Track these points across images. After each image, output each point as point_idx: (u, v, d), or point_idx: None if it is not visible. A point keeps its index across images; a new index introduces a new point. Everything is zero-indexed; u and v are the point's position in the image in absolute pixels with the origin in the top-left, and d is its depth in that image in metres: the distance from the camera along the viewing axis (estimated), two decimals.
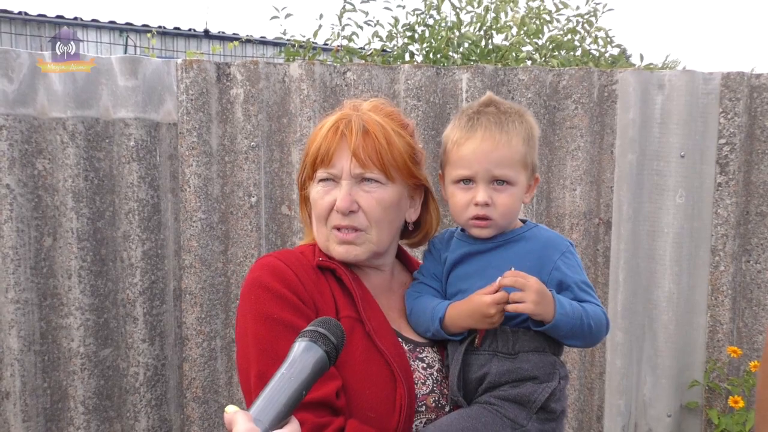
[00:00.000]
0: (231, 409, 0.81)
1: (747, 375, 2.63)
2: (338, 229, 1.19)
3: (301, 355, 0.87)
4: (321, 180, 1.21)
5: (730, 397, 2.53)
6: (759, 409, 1.15)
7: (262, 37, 8.09)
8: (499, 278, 1.12)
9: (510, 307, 1.10)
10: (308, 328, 0.91)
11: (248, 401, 1.12)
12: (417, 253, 1.46)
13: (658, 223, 2.67)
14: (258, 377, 1.08)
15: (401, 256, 1.38)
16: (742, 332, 2.73)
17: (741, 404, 2.47)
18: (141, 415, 2.45)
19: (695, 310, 2.70)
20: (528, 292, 1.09)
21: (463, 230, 1.29)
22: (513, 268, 1.13)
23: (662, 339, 2.69)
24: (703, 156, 2.65)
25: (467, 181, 1.20)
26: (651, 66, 3.94)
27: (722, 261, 2.67)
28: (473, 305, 1.14)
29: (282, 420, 0.83)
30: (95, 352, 2.41)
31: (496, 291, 1.11)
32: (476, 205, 1.18)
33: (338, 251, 1.20)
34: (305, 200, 1.31)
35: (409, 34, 3.47)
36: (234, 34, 8.96)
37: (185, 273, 2.49)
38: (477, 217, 1.19)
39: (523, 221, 1.28)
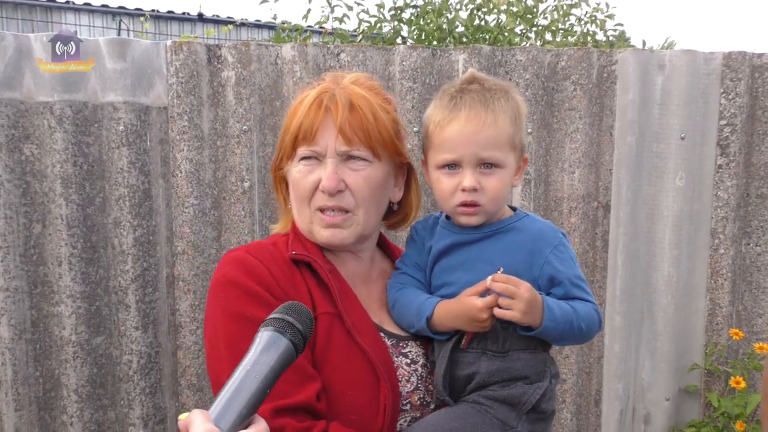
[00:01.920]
0: (184, 416, 0.75)
1: (747, 358, 2.61)
2: (323, 210, 1.12)
3: (265, 347, 0.79)
4: (303, 158, 1.13)
5: (732, 377, 2.50)
6: (766, 394, 1.12)
7: (256, 20, 7.99)
8: (489, 278, 1.06)
9: (498, 313, 1.05)
10: (273, 315, 0.83)
11: None
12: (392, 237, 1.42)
13: (657, 206, 2.63)
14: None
15: (381, 243, 1.30)
16: (742, 315, 2.71)
17: (743, 385, 2.45)
18: (135, 403, 2.43)
19: (694, 294, 2.68)
20: (517, 301, 1.04)
21: (447, 217, 1.21)
22: (501, 269, 1.07)
23: (661, 323, 2.67)
24: (704, 137, 2.61)
25: (453, 165, 1.12)
26: (651, 48, 3.88)
27: (722, 244, 2.64)
28: (463, 307, 1.08)
29: (245, 419, 0.76)
30: (87, 340, 2.38)
31: (485, 291, 1.06)
32: (463, 190, 1.10)
33: (323, 235, 1.13)
34: (280, 181, 1.23)
35: (397, 18, 3.41)
36: (228, 17, 8.85)
37: (178, 259, 2.45)
38: (465, 204, 1.12)
39: (513, 209, 1.21)
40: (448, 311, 1.11)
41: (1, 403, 2.33)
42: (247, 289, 1.05)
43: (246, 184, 2.46)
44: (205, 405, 2.49)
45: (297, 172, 1.14)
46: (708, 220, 2.65)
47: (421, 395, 1.13)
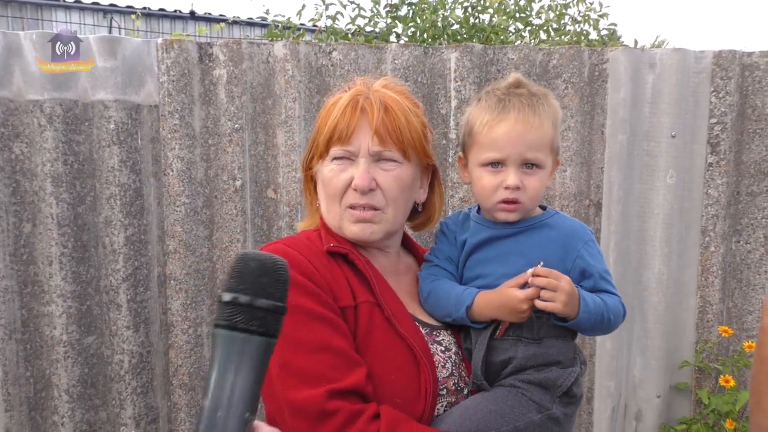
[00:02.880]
0: None
1: (737, 355, 2.63)
2: (353, 207, 1.16)
3: (223, 362, 0.62)
4: (335, 158, 1.17)
5: (721, 376, 2.52)
6: (754, 393, 1.13)
7: (249, 18, 7.95)
8: (530, 271, 1.11)
9: (540, 305, 1.10)
10: (221, 301, 0.65)
11: (266, 394, 1.07)
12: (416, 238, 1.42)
13: (648, 203, 2.65)
14: (281, 367, 1.03)
15: (403, 240, 1.35)
16: (732, 312, 2.73)
17: (732, 383, 2.47)
18: (127, 403, 2.42)
19: (685, 291, 2.69)
20: (559, 293, 1.09)
21: (479, 212, 1.26)
22: (542, 263, 1.12)
23: (652, 320, 2.68)
24: (694, 136, 2.62)
25: (496, 164, 1.17)
26: (643, 47, 3.89)
27: (712, 241, 2.66)
28: (504, 298, 1.13)
29: None
30: (78, 340, 2.37)
31: (525, 284, 1.11)
32: (507, 188, 1.16)
33: (353, 230, 1.17)
34: (309, 180, 1.27)
35: (392, 15, 3.40)
36: (220, 15, 8.82)
37: (169, 259, 2.44)
38: (506, 201, 1.17)
39: (543, 207, 1.27)
40: (488, 301, 1.16)
41: None
42: (292, 280, 1.08)
43: (238, 183, 2.45)
44: (197, 404, 2.49)
45: (329, 170, 1.18)
46: (698, 217, 2.67)
47: (456, 381, 1.17)
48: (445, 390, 1.14)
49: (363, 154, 1.15)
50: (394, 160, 1.16)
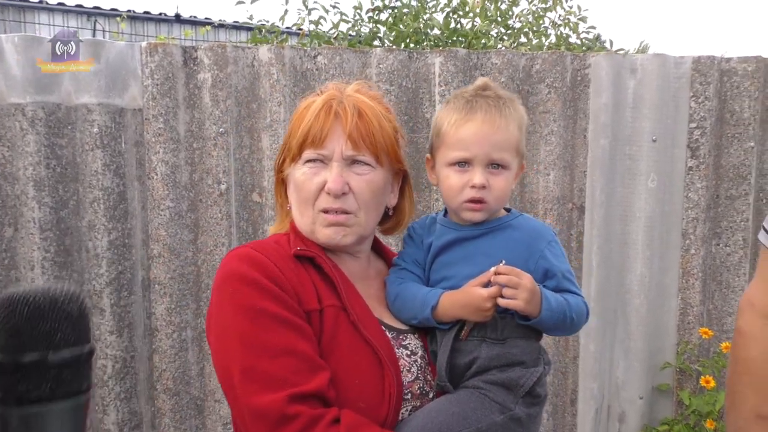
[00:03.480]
0: None
1: (717, 356, 2.67)
2: (326, 212, 1.16)
3: None
4: (308, 161, 1.17)
5: (702, 377, 2.56)
6: (729, 393, 1.15)
7: (234, 21, 7.94)
8: (492, 269, 1.12)
9: (502, 302, 1.11)
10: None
11: (230, 398, 1.08)
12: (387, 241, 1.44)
13: (630, 207, 2.68)
14: (243, 372, 1.03)
15: (374, 244, 1.35)
16: (712, 314, 2.77)
17: (712, 384, 2.51)
18: (110, 408, 2.40)
19: (666, 294, 2.73)
20: (521, 290, 1.10)
21: (445, 215, 1.28)
22: (504, 261, 1.13)
23: (634, 323, 2.72)
24: (675, 140, 2.67)
25: (463, 163, 1.19)
26: (622, 51, 3.94)
27: (693, 244, 2.70)
28: (468, 297, 1.14)
29: None
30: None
31: (488, 282, 1.12)
32: (473, 187, 1.17)
33: (326, 233, 1.17)
34: (281, 183, 1.27)
35: (374, 20, 3.41)
36: (206, 18, 8.79)
37: (154, 263, 2.43)
38: (472, 200, 1.18)
39: (507, 210, 1.28)
40: (453, 301, 1.16)
41: None
42: (256, 283, 1.08)
43: (223, 187, 2.45)
44: (181, 410, 2.48)
45: (302, 174, 1.18)
46: (679, 221, 2.70)
47: (421, 384, 1.17)
48: (409, 394, 1.14)
49: (336, 158, 1.15)
50: (367, 165, 1.17)
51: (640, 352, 2.72)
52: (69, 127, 2.33)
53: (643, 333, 2.71)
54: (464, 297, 1.15)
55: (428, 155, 1.29)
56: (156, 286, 2.44)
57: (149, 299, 2.46)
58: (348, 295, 1.15)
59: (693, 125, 2.66)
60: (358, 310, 1.14)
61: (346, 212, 1.16)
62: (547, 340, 2.66)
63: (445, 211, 1.29)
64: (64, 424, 0.50)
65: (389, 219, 1.32)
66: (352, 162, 1.16)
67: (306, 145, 1.16)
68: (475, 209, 1.19)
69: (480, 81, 1.24)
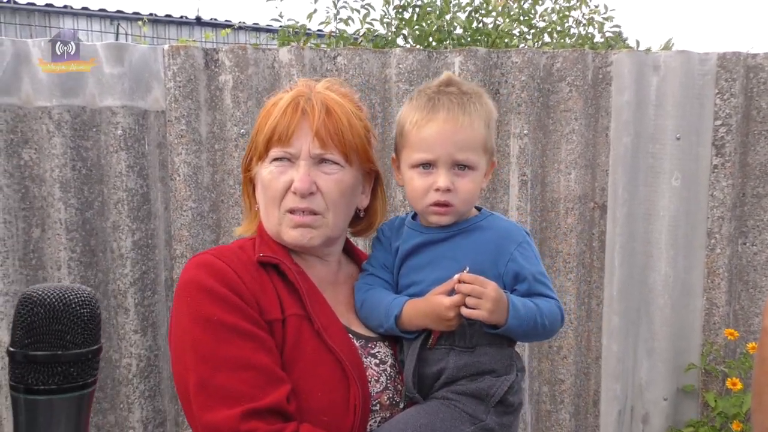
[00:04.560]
0: None
1: (743, 357, 2.62)
2: (293, 212, 1.12)
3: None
4: (275, 159, 1.13)
5: (728, 379, 2.52)
6: (756, 395, 1.13)
7: (254, 23, 8.00)
8: (456, 276, 1.07)
9: (465, 312, 1.06)
10: (11, 358, 0.54)
11: (187, 411, 1.05)
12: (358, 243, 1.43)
13: (653, 206, 2.65)
14: (198, 386, 0.99)
15: (347, 247, 1.30)
16: (739, 315, 2.72)
17: (739, 386, 2.46)
18: (135, 407, 2.44)
19: (691, 294, 2.69)
20: (484, 300, 1.05)
21: (414, 218, 1.23)
22: (468, 269, 1.08)
23: (658, 323, 2.68)
24: (699, 138, 2.62)
25: (427, 165, 1.13)
26: (645, 49, 3.89)
27: (718, 243, 2.65)
28: (431, 306, 1.09)
29: None
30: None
31: (453, 290, 1.07)
32: (437, 190, 1.12)
33: (292, 235, 1.13)
34: (249, 183, 1.23)
35: (400, 17, 3.41)
36: (226, 20, 8.87)
37: (176, 263, 2.46)
38: (438, 204, 1.13)
39: (479, 209, 1.23)
40: (416, 310, 1.12)
41: (1, 407, 2.34)
42: (214, 293, 1.04)
43: None
44: None
45: (268, 173, 1.14)
46: (704, 220, 2.66)
47: (390, 395, 1.13)
48: (378, 405, 1.09)
49: (303, 156, 1.11)
50: (336, 163, 1.13)
51: (664, 352, 2.69)
52: (94, 130, 2.37)
53: (667, 333, 2.68)
54: (427, 306, 1.10)
55: (393, 155, 1.23)
56: None
57: (172, 299, 2.48)
58: (312, 303, 1.10)
59: (718, 122, 2.62)
60: (323, 318, 1.10)
61: (313, 212, 1.12)
62: (568, 341, 2.64)
63: (415, 213, 1.23)
64: (69, 413, 0.55)
65: (361, 221, 1.28)
66: (320, 161, 1.12)
67: (272, 143, 1.12)
68: (440, 213, 1.14)
69: (444, 76, 1.18)
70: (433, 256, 1.16)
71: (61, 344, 0.55)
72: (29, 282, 2.33)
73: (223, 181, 2.48)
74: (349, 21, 3.34)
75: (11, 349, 0.55)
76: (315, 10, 3.46)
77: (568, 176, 2.60)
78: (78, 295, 0.56)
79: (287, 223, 1.13)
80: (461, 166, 1.13)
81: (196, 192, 2.45)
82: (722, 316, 2.68)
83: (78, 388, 0.56)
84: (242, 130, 2.45)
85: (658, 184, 2.63)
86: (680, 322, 2.69)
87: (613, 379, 2.69)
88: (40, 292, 0.55)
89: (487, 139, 1.15)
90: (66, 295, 0.56)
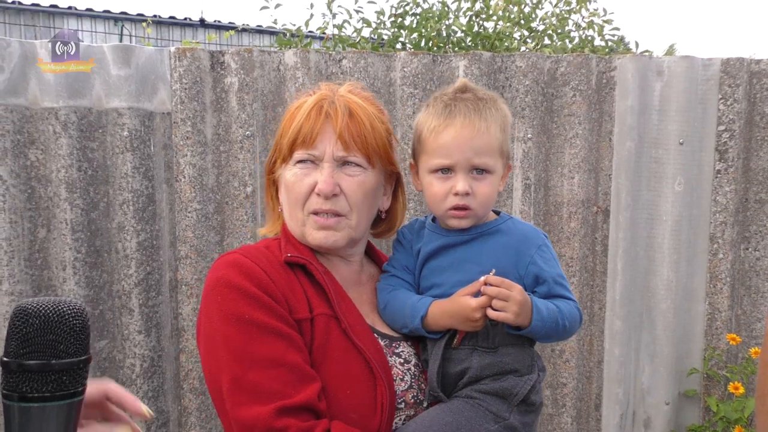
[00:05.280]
0: None
1: (746, 362, 2.62)
2: (317, 213, 1.14)
3: None
4: (299, 161, 1.15)
5: (730, 383, 2.52)
6: (759, 397, 1.14)
7: (258, 26, 8.02)
8: (482, 279, 1.09)
9: (491, 314, 1.08)
10: (5, 368, 0.57)
11: (219, 409, 1.06)
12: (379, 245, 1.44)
13: (656, 210, 2.65)
14: (231, 383, 1.01)
15: (368, 248, 1.32)
16: (741, 320, 2.72)
17: (741, 390, 2.47)
18: None
19: (694, 298, 2.69)
20: (511, 303, 1.07)
21: (434, 220, 1.25)
22: (494, 271, 1.10)
23: (660, 327, 2.69)
24: (702, 143, 2.63)
25: (445, 170, 1.16)
26: (647, 53, 3.90)
27: (721, 248, 2.66)
28: (457, 307, 1.11)
29: None
30: (91, 344, 2.39)
31: (478, 292, 1.09)
32: (456, 194, 1.15)
33: (316, 237, 1.15)
34: (272, 184, 1.25)
35: (397, 25, 3.44)
36: (230, 23, 8.90)
37: (181, 264, 2.47)
38: (456, 207, 1.16)
39: (497, 212, 1.25)
40: (442, 310, 1.14)
41: None
42: (245, 291, 1.05)
43: (249, 189, 2.48)
44: (207, 409, 2.51)
45: (292, 175, 1.16)
46: (707, 225, 2.67)
47: (415, 393, 1.14)
48: (403, 403, 1.11)
49: (327, 158, 1.13)
50: (359, 166, 1.15)
51: (666, 356, 2.69)
52: (100, 131, 2.38)
53: (669, 338, 2.68)
54: (453, 306, 1.12)
55: (411, 161, 1.26)
56: (183, 287, 2.48)
57: (176, 300, 2.50)
58: (340, 302, 1.12)
59: (721, 128, 2.63)
60: (350, 318, 1.11)
61: (337, 214, 1.14)
62: (570, 344, 2.65)
63: (434, 216, 1.26)
64: (60, 420, 0.58)
65: (382, 222, 1.30)
66: (344, 163, 1.14)
67: (297, 146, 1.14)
68: (460, 216, 1.17)
69: (459, 82, 1.21)
70: (455, 259, 1.19)
71: (55, 353, 0.58)
72: (34, 282, 2.34)
73: (228, 182, 2.49)
74: (345, 25, 3.37)
75: (5, 359, 0.58)
76: (312, 15, 3.50)
77: (571, 180, 2.61)
78: (70, 308, 0.60)
79: (311, 224, 1.15)
80: (479, 171, 1.16)
81: (201, 193, 2.46)
82: (724, 320, 2.68)
83: (69, 396, 0.59)
84: (247, 132, 2.46)
85: (661, 188, 2.64)
86: (682, 326, 2.69)
87: (615, 383, 2.69)
88: (34, 305, 0.59)
89: (503, 143, 1.18)
90: (59, 307, 0.59)
